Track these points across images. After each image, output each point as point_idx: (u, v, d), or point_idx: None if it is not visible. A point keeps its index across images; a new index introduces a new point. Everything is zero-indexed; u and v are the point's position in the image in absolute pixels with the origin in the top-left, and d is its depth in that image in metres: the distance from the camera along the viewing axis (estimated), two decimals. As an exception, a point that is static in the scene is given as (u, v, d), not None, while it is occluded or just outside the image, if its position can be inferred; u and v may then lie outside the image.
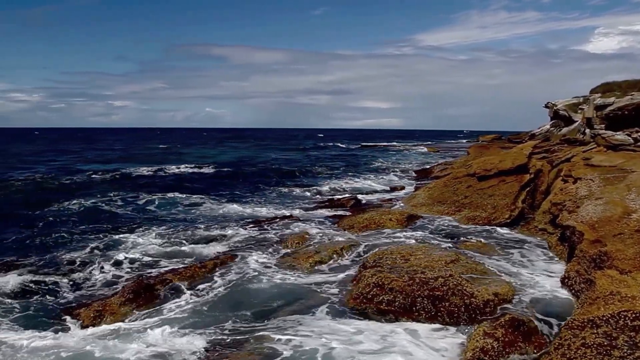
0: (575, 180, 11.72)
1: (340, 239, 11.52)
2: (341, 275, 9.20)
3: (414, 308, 7.20)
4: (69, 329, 7.32)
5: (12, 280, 9.26)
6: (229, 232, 12.89)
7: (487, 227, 12.48)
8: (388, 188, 21.90)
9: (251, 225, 13.53)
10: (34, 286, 9.12)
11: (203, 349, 6.43)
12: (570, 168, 13.09)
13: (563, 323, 5.91)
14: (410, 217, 13.34)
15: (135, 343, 6.65)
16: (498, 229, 12.33)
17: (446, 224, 12.97)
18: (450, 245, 10.64)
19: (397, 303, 7.32)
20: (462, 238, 11.35)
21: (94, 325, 7.42)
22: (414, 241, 10.79)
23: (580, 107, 28.76)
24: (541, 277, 8.53)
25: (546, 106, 34.87)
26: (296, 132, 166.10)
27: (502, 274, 8.40)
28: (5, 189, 21.27)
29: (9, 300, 8.36)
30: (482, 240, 11.11)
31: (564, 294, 7.66)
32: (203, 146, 66.26)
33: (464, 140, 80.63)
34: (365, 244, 10.68)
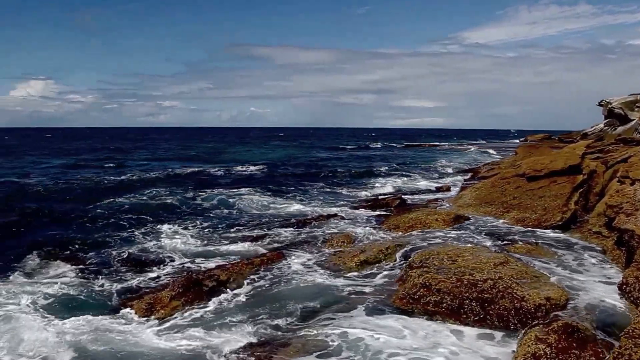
0: (633, 182, 11.23)
1: (385, 238, 11.44)
2: (386, 275, 9.14)
3: (461, 310, 7.06)
4: (123, 320, 7.54)
5: (70, 272, 9.82)
6: (276, 229, 13.04)
7: (537, 230, 12.10)
8: (433, 188, 21.61)
9: (297, 224, 13.62)
10: (89, 278, 9.54)
11: (249, 344, 6.51)
12: (627, 169, 12.53)
13: (622, 332, 5.65)
14: (457, 217, 13.10)
15: (183, 336, 6.82)
16: (549, 231, 11.94)
17: (494, 225, 12.65)
18: (498, 247, 10.37)
19: (444, 304, 7.20)
20: (510, 240, 11.05)
21: (145, 317, 7.64)
22: (460, 242, 10.58)
23: (637, 104, 27.58)
24: (596, 283, 8.19)
25: (600, 104, 33.62)
26: (340, 132, 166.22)
27: (554, 279, 8.13)
28: (67, 186, 22.17)
29: (66, 291, 8.69)
30: (532, 242, 10.77)
31: (621, 301, 7.34)
32: (248, 145, 67.18)
33: (512, 140, 78.67)
34: (411, 244, 10.54)
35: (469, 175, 26.13)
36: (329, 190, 21.04)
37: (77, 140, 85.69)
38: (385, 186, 22.38)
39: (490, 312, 6.91)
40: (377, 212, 15.24)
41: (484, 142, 77.63)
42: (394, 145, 68.95)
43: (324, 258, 10.21)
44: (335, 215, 14.65)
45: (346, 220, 13.88)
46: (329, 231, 12.54)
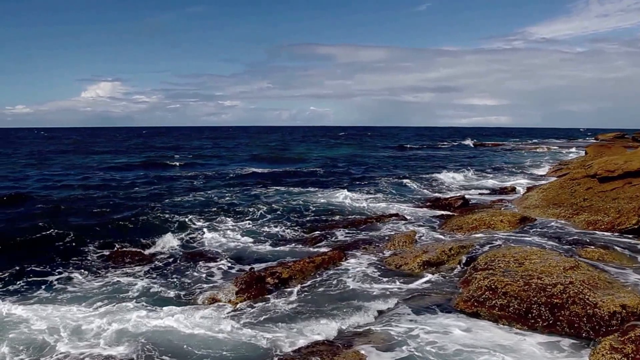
0: None
1: (448, 239, 11.24)
2: (449, 277, 9.00)
3: (529, 315, 6.84)
4: (187, 313, 7.74)
5: (137, 266, 10.34)
6: (337, 228, 13.09)
7: (610, 234, 11.54)
8: (497, 188, 21.01)
9: (358, 223, 13.61)
10: (156, 271, 9.98)
11: (314, 342, 6.56)
12: None
13: None
14: (523, 219, 12.69)
15: (245, 331, 6.98)
16: (623, 236, 11.36)
17: (562, 228, 12.17)
18: (567, 250, 9.96)
19: (511, 308, 6.99)
20: (581, 244, 10.58)
21: (209, 311, 7.82)
22: (527, 245, 10.23)
23: None
24: (677, 291, 7.73)
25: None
26: (400, 130, 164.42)
27: (631, 285, 7.72)
28: (132, 183, 23.14)
29: (136, 285, 9.10)
30: (605, 247, 10.27)
31: None
32: (309, 144, 67.47)
33: (581, 139, 75.30)
34: (475, 245, 10.30)
35: (535, 176, 25.26)
36: (391, 189, 20.83)
37: (142, 138, 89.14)
38: (449, 186, 21.97)
39: (560, 318, 6.65)
40: (440, 212, 15.00)
41: (551, 141, 74.71)
42: (457, 143, 67.50)
43: (385, 258, 10.16)
44: (397, 214, 14.54)
45: (408, 220, 13.74)
46: (392, 231, 12.46)
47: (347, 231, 12.80)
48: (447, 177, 24.71)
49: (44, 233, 12.47)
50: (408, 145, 62.21)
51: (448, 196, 18.20)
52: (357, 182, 23.38)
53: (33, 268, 10.01)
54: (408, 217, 14.18)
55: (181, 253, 11.29)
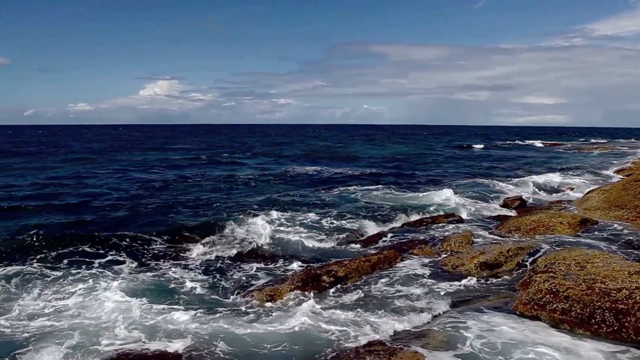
0: None
1: (506, 240, 11.09)
2: (507, 279, 8.91)
3: (592, 320, 6.69)
4: (244, 310, 7.98)
5: (196, 261, 10.75)
6: (394, 227, 13.12)
7: (679, 237, 11.06)
8: (556, 189, 20.43)
9: (415, 223, 13.61)
10: (214, 266, 10.30)
11: (370, 340, 6.65)
12: None
13: None
14: (584, 221, 12.33)
15: (301, 328, 7.14)
16: (693, 239, 10.86)
17: (626, 232, 11.75)
18: (632, 255, 9.63)
19: (573, 313, 6.85)
20: (646, 248, 10.21)
21: (265, 307, 8.06)
22: (588, 248, 9.96)
23: None
24: None
25: None
26: (455, 129, 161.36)
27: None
28: (191, 179, 23.81)
29: (194, 279, 9.44)
30: (674, 251, 9.88)
31: None
32: (364, 142, 67.13)
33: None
34: (534, 247, 10.12)
35: (596, 177, 24.39)
36: (450, 188, 20.53)
37: (199, 136, 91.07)
38: (505, 186, 21.42)
39: (626, 324, 6.47)
40: (497, 213, 14.79)
41: (618, 141, 71.69)
42: (524, 143, 65.70)
43: (442, 258, 10.13)
44: (453, 215, 14.42)
45: (465, 221, 13.63)
46: (448, 231, 12.38)
47: (404, 230, 12.83)
48: (501, 177, 24.16)
49: (108, 227, 13.13)
50: (474, 146, 60.33)
51: (506, 196, 17.84)
52: (414, 180, 23.19)
53: (102, 257, 10.56)
54: (466, 218, 14.05)
55: (238, 249, 11.58)
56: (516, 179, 23.30)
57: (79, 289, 8.71)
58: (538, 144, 65.34)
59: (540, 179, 23.66)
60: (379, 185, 21.02)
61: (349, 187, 20.33)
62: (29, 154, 41.72)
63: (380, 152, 47.52)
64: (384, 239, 12.23)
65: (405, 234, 12.48)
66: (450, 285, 8.67)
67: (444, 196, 17.42)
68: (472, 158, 40.15)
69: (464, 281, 8.84)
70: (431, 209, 15.75)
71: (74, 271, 9.71)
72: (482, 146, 59.47)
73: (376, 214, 15.14)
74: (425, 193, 18.68)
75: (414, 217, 14.55)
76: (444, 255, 10.35)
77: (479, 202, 17.39)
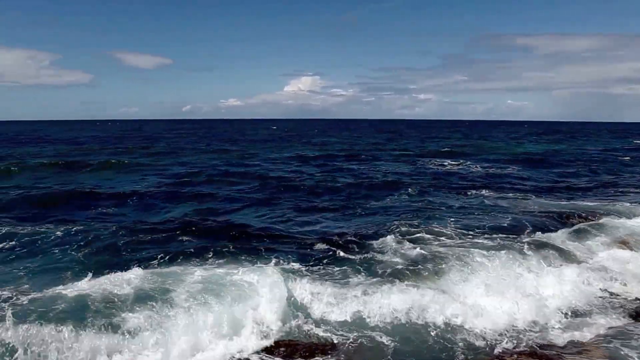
0: None
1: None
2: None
3: None
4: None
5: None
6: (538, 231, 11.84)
7: None
8: None
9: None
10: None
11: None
12: None
13: None
14: None
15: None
16: None
17: None
18: None
19: None
20: None
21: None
22: None
23: None
24: None
25: None
26: (612, 126, 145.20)
27: None
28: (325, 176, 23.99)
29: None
30: None
31: None
32: (508, 139, 63.03)
33: None
34: None
35: None
36: (607, 192, 18.42)
37: (340, 131, 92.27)
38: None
39: None
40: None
41: None
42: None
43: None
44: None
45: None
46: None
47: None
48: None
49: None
50: (630, 146, 51.01)
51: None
52: (563, 184, 21.11)
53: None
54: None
55: (355, 257, 9.94)
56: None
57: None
58: None
59: None
60: (518, 187, 19.34)
61: (484, 191, 18.23)
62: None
63: (533, 148, 44.05)
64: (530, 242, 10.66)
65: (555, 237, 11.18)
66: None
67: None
68: None
69: None
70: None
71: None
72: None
73: (516, 220, 13.30)
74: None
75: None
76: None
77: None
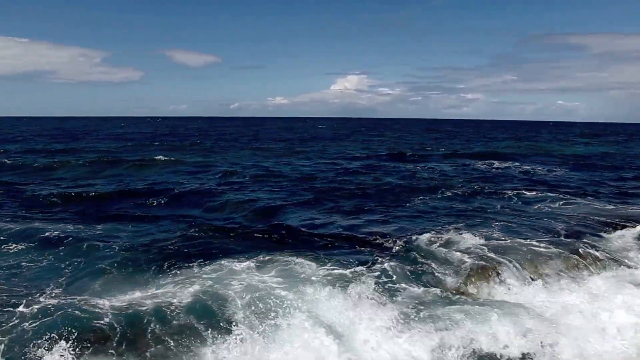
0: None
1: None
2: None
3: None
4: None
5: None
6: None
7: None
8: None
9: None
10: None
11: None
12: None
13: None
14: None
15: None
16: None
17: None
18: None
19: None
20: None
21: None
22: None
23: None
24: None
25: None
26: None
27: None
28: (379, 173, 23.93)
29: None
30: None
31: None
32: (556, 141, 61.00)
33: None
34: None
35: None
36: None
37: (386, 130, 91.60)
38: None
39: None
40: None
41: None
42: None
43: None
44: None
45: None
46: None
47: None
48: None
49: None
50: None
51: None
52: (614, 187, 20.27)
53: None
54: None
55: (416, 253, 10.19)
56: None
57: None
58: None
59: None
60: (566, 190, 18.65)
61: (535, 193, 17.74)
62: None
63: (579, 151, 42.51)
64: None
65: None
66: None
67: None
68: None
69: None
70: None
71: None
72: None
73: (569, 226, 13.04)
74: None
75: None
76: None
77: None
